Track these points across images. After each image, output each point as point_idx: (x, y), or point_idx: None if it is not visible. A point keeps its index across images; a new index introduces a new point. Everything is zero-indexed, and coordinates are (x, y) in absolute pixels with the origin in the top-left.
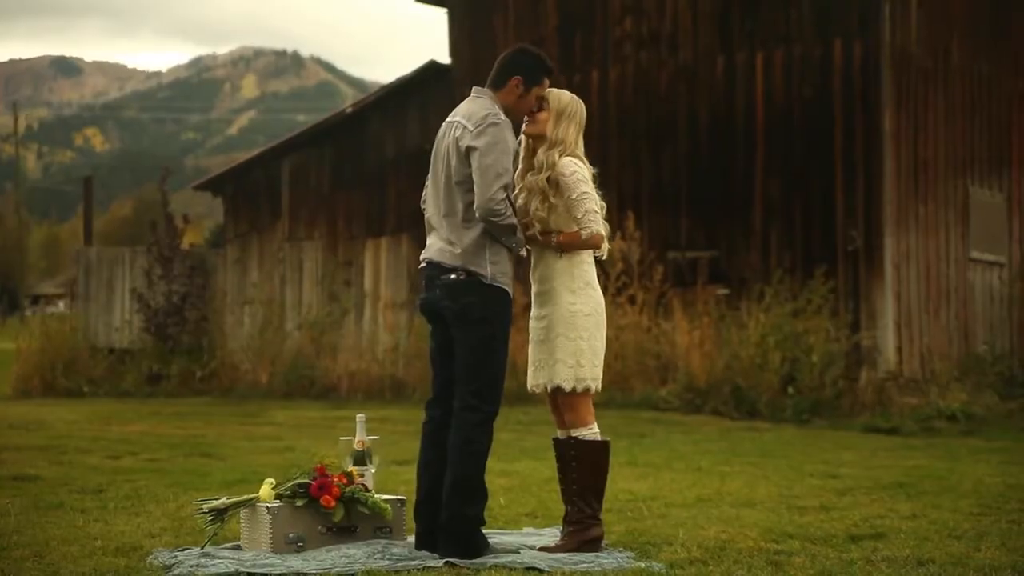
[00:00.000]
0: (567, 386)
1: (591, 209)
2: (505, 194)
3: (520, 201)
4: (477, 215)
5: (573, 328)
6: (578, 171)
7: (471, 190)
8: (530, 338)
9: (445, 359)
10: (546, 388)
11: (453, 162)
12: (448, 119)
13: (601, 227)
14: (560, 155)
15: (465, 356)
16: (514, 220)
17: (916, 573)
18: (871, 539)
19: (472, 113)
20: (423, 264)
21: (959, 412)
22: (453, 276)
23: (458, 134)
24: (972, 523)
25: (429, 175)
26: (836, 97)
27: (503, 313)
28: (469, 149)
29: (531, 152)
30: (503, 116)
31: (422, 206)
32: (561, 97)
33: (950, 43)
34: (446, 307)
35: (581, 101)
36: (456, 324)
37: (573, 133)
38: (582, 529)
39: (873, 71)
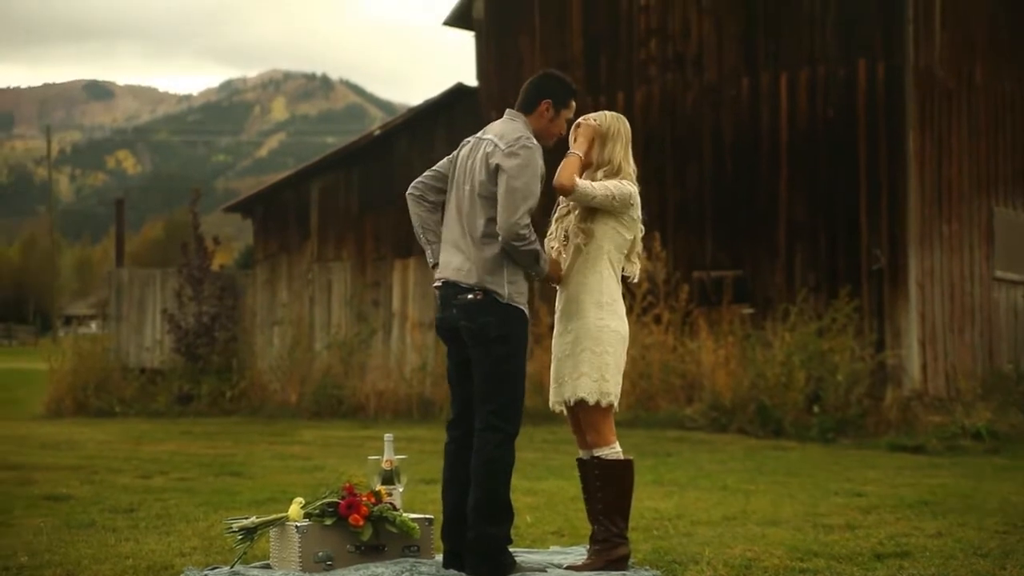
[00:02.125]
0: (591, 399)
1: (619, 185)
2: (530, 219)
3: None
4: (500, 237)
5: (600, 342)
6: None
7: (495, 206)
8: (553, 355)
9: (463, 378)
10: (566, 406)
11: (481, 177)
12: (478, 135)
13: (630, 187)
14: (605, 177)
15: (483, 376)
16: (537, 246)
17: None
18: (896, 557)
19: (505, 133)
20: (439, 284)
21: (984, 430)
22: (470, 296)
23: (489, 150)
24: (998, 541)
25: (450, 190)
26: (860, 117)
27: (520, 332)
28: (499, 168)
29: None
30: (535, 141)
31: (413, 191)
32: (603, 118)
33: (973, 63)
34: (463, 327)
35: (623, 117)
36: (473, 344)
37: (620, 151)
38: (608, 548)
39: (897, 91)
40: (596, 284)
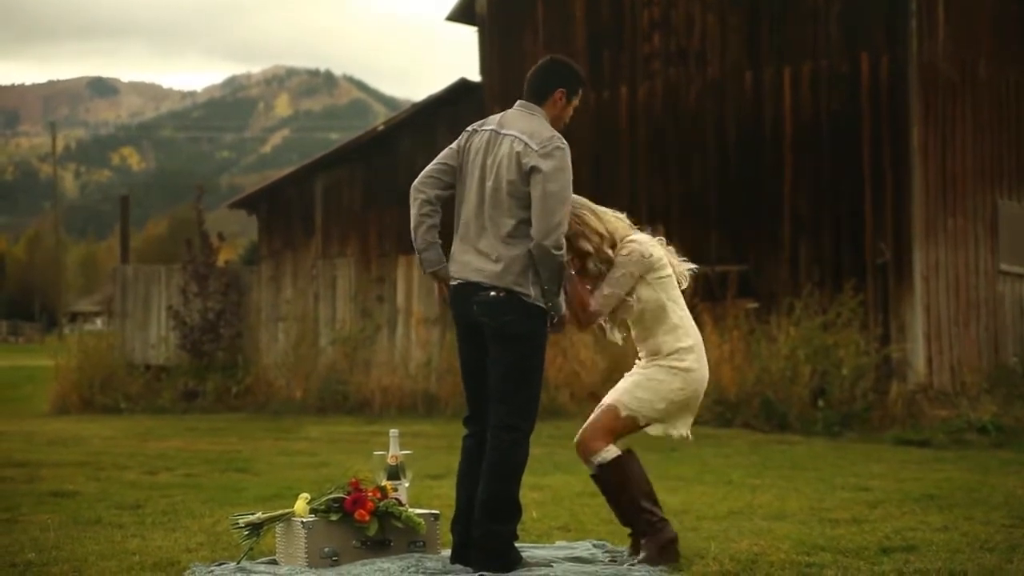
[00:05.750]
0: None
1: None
2: (566, 226)
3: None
4: (535, 241)
5: None
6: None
7: (526, 207)
8: None
9: (480, 375)
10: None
11: (511, 176)
12: (495, 128)
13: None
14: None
15: (503, 374)
16: (564, 260)
17: None
18: (903, 551)
19: (533, 131)
20: (456, 283)
21: (989, 424)
22: (492, 293)
23: (519, 149)
24: (1004, 535)
25: (462, 184)
26: (864, 111)
27: (541, 330)
28: (534, 169)
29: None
30: (564, 140)
31: (418, 194)
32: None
33: (977, 56)
34: (484, 323)
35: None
36: (494, 341)
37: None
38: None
39: (900, 85)
40: None
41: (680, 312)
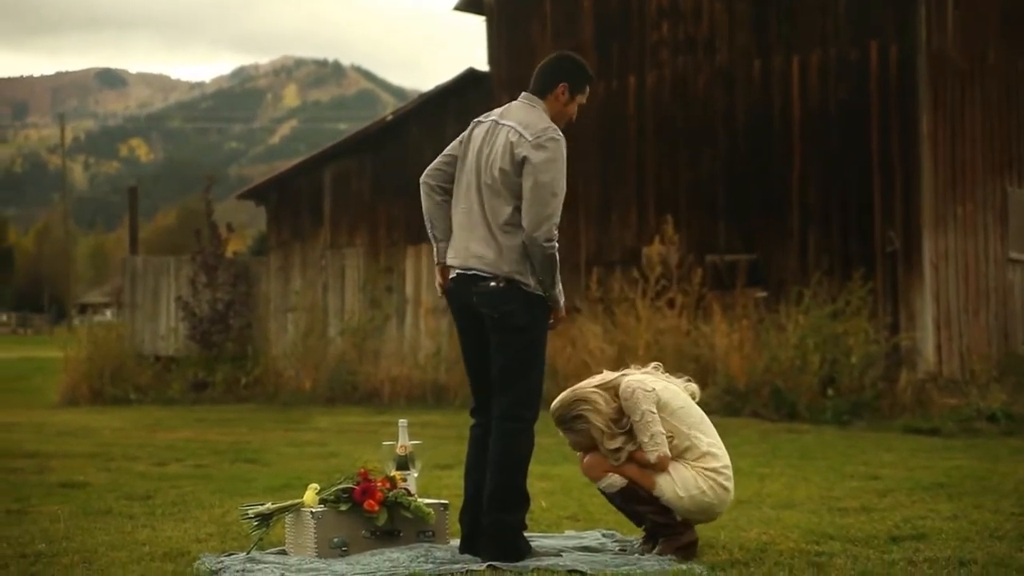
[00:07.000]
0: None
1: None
2: (558, 218)
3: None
4: (526, 233)
5: None
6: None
7: (519, 196)
8: None
9: (483, 364)
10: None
11: (505, 166)
12: (496, 119)
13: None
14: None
15: (505, 364)
16: (556, 253)
17: (958, 574)
18: (912, 540)
19: (529, 122)
20: (455, 274)
21: (999, 412)
22: (492, 283)
23: (513, 139)
24: (1014, 523)
25: (462, 172)
26: (872, 99)
27: (543, 319)
28: (525, 159)
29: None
30: (560, 132)
31: (426, 186)
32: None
33: (987, 44)
34: (486, 314)
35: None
36: (496, 332)
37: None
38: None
39: (909, 73)
40: None
41: (708, 439)
